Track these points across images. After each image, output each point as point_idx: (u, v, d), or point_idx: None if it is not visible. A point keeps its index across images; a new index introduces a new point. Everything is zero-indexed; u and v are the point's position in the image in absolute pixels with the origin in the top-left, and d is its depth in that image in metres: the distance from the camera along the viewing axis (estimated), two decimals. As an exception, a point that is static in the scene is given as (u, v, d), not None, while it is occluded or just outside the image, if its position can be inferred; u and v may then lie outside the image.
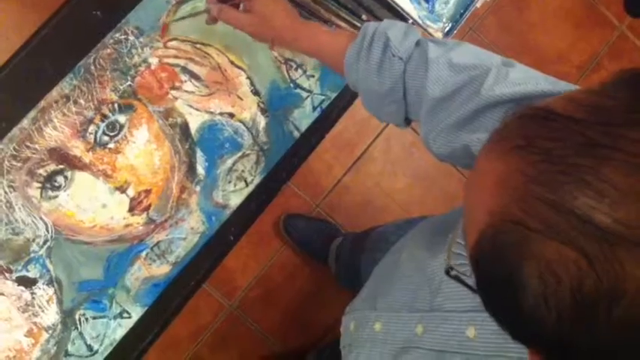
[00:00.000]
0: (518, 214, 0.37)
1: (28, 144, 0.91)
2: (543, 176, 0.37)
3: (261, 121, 1.00)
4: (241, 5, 0.88)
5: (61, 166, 0.92)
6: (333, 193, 1.97)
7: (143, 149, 0.95)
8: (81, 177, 0.93)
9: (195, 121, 0.98)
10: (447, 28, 1.07)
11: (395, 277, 0.82)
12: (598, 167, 0.35)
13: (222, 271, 1.86)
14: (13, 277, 0.91)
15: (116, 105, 0.94)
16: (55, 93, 0.92)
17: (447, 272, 0.52)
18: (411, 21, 1.05)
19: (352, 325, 0.88)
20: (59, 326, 0.92)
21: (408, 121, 0.81)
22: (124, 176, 0.94)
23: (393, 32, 0.75)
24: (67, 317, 0.92)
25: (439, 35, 1.06)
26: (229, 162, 0.99)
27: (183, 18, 0.98)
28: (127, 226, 0.95)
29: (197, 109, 0.98)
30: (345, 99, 1.04)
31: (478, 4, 1.08)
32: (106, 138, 0.94)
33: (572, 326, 0.36)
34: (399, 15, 1.05)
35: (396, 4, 1.04)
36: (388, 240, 1.08)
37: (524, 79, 0.63)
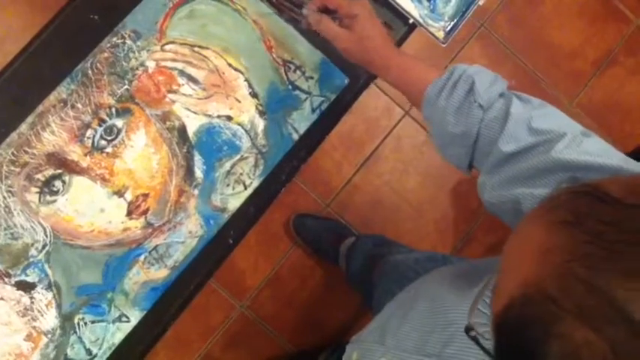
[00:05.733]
0: (554, 290, 0.37)
1: (26, 149, 0.92)
2: (588, 259, 0.36)
3: (260, 124, 1.00)
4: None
5: (59, 171, 0.92)
6: (343, 192, 1.96)
7: (141, 153, 0.95)
8: (79, 181, 0.93)
9: (193, 125, 0.97)
10: (449, 27, 1.05)
11: (408, 316, 0.80)
12: None
13: (233, 272, 1.86)
14: (12, 282, 0.91)
15: (114, 109, 0.94)
16: (52, 97, 0.93)
17: (467, 331, 0.50)
18: (411, 20, 1.03)
19: (355, 355, 0.87)
20: (58, 330, 0.92)
21: (470, 167, 0.81)
22: (121, 180, 0.94)
23: (480, 78, 0.75)
24: (66, 321, 0.93)
25: (441, 34, 1.04)
26: (227, 165, 0.99)
27: (180, 21, 0.97)
28: (125, 230, 0.95)
29: (195, 112, 0.97)
30: (344, 100, 1.03)
31: (481, 2, 1.06)
32: (103, 142, 0.94)
33: None
34: (399, 14, 1.03)
35: (397, 3, 1.02)
36: (405, 275, 1.07)
37: (597, 151, 0.62)
